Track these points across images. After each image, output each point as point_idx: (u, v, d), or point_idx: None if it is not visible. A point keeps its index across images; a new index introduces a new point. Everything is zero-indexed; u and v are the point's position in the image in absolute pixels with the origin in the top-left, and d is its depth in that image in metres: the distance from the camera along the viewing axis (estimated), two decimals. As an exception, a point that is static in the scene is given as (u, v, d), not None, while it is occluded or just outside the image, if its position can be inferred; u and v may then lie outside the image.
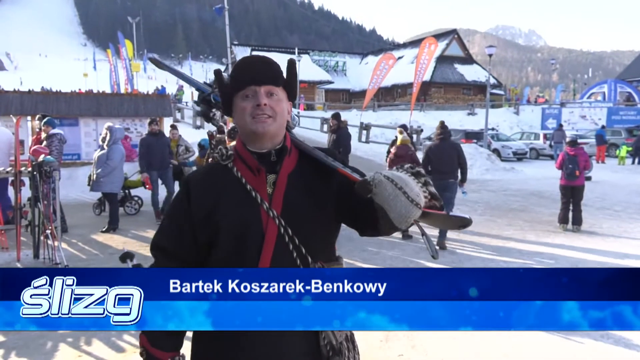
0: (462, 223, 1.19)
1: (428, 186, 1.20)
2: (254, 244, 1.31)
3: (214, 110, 1.90)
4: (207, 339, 1.37)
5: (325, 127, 23.86)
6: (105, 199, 8.53)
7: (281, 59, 1.37)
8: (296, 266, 1.31)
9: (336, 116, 9.52)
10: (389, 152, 8.96)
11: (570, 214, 8.03)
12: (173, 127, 10.03)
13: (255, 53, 43.03)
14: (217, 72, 1.51)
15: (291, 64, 1.43)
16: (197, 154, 9.63)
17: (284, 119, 1.40)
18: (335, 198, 1.39)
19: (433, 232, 6.39)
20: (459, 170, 7.20)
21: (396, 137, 8.73)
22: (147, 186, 8.81)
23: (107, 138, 7.90)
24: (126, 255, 2.70)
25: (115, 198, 8.10)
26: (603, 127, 24.25)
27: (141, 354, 1.38)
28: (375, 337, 3.95)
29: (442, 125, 7.48)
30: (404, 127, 8.83)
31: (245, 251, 1.32)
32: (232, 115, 1.44)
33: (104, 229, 7.83)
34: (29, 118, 12.19)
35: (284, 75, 1.42)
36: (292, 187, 1.37)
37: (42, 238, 6.09)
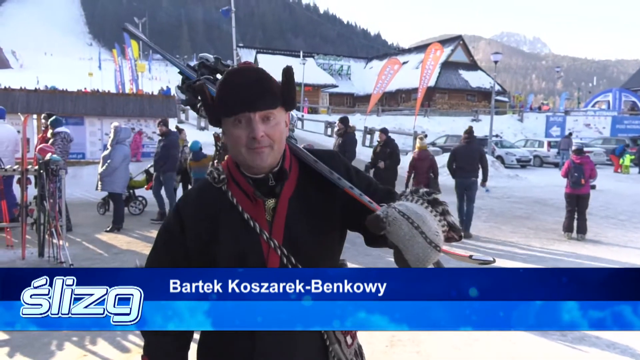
0: (485, 263, 1.11)
1: (447, 216, 1.10)
2: None
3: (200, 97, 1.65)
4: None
5: (329, 131, 23.88)
6: (110, 199, 8.56)
7: (285, 62, 1.30)
8: None
9: (344, 120, 9.26)
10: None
11: (575, 223, 8.02)
12: (177, 128, 10.14)
13: (260, 55, 43.16)
14: (200, 87, 1.27)
15: (288, 73, 1.23)
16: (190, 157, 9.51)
17: (283, 142, 1.26)
18: (341, 211, 1.30)
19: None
20: (481, 170, 8.23)
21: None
22: (146, 186, 9.30)
23: (111, 137, 7.94)
24: None
25: (119, 198, 8.12)
26: (627, 145, 22.86)
27: None
28: (380, 342, 3.93)
29: (470, 130, 8.47)
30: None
31: None
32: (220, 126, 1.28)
33: (108, 229, 7.85)
34: (34, 116, 12.25)
35: (280, 87, 1.24)
36: (293, 213, 1.26)
37: (47, 236, 6.11)
